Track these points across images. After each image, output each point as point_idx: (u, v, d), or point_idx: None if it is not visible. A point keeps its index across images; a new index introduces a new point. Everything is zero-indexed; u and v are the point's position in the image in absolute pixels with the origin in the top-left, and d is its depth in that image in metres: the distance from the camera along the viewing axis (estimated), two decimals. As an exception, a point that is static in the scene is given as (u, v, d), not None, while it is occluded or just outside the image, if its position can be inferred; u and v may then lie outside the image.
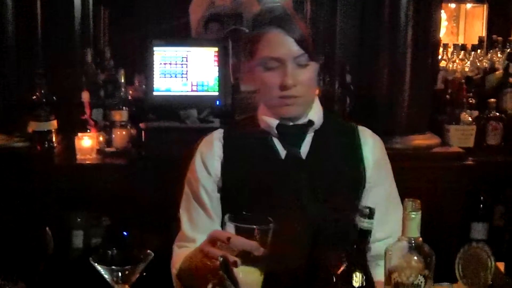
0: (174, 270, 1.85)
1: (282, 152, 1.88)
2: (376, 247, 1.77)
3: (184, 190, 1.97)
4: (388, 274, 1.48)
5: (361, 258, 1.44)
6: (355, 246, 1.44)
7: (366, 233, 1.43)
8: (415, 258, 1.46)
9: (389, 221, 1.83)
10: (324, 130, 1.92)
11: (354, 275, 1.33)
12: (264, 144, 1.89)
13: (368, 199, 1.90)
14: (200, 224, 1.90)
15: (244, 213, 1.54)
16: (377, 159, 1.94)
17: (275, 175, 1.85)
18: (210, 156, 1.91)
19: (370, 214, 1.42)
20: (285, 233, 1.58)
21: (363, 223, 1.42)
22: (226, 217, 1.54)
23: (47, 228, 1.69)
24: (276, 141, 1.89)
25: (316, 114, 1.91)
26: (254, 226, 1.48)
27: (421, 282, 1.44)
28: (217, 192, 1.91)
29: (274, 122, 1.87)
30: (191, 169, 1.95)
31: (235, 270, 1.46)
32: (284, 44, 1.80)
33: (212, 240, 1.54)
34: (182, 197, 1.97)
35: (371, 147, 1.94)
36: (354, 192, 1.90)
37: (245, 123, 2.00)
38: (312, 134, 1.90)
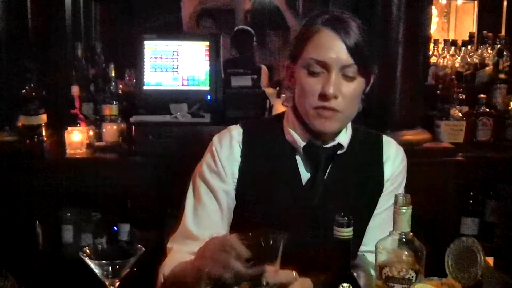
0: (162, 273, 1.71)
1: (304, 174, 1.77)
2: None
3: (193, 184, 1.83)
4: (379, 269, 1.48)
5: (345, 268, 1.40)
6: (337, 257, 1.40)
7: (347, 243, 1.39)
8: (406, 252, 1.46)
9: (383, 235, 1.77)
10: (348, 153, 1.79)
11: (341, 287, 1.30)
12: (287, 163, 1.78)
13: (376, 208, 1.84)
14: (209, 223, 1.77)
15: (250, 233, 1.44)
16: (393, 173, 1.85)
17: (293, 197, 1.76)
18: (229, 158, 1.78)
19: (348, 223, 1.37)
20: (296, 259, 1.51)
21: (343, 233, 1.37)
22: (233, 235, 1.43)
23: (37, 223, 1.68)
24: (299, 161, 1.78)
25: (346, 137, 1.79)
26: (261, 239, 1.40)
27: (412, 276, 1.45)
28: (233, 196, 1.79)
29: (301, 142, 1.75)
30: (208, 164, 1.81)
31: None
32: (334, 49, 1.65)
33: (227, 249, 1.40)
34: (189, 193, 1.83)
35: (392, 162, 1.85)
36: (370, 214, 1.83)
37: (268, 129, 1.85)
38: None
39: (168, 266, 1.70)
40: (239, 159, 1.78)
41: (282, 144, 1.79)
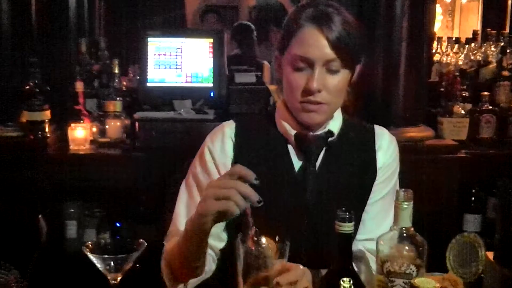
0: (164, 264, 1.75)
1: (297, 163, 1.80)
2: (358, 245, 1.79)
3: (186, 184, 1.85)
4: (381, 263, 1.49)
5: (346, 262, 1.41)
6: (339, 252, 1.41)
7: (348, 237, 1.40)
8: (407, 247, 1.47)
9: (379, 226, 1.79)
10: (339, 141, 1.82)
11: (342, 281, 1.31)
12: (279, 153, 1.81)
13: (371, 198, 1.85)
14: None
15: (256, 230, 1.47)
16: (386, 162, 1.86)
17: (286, 187, 1.78)
18: (221, 155, 1.81)
19: (350, 218, 1.38)
20: (291, 247, 1.52)
21: (344, 227, 1.37)
22: (238, 238, 1.46)
23: (40, 217, 1.69)
24: (291, 150, 1.81)
25: (336, 124, 1.82)
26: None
27: (413, 271, 1.45)
28: None
29: (292, 130, 1.79)
30: (200, 163, 1.83)
31: None
32: (317, 45, 1.67)
33: (232, 175, 1.46)
34: (182, 193, 1.85)
35: (384, 151, 1.87)
36: (363, 202, 1.85)
37: (260, 122, 1.89)
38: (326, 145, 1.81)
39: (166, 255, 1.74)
40: (231, 153, 1.81)
41: (274, 135, 1.82)
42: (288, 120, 1.80)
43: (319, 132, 1.79)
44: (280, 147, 1.81)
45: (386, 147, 1.87)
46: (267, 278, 1.43)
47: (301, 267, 1.52)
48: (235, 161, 1.78)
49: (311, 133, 1.79)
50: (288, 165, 1.80)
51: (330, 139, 1.81)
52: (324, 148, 1.81)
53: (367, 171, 1.84)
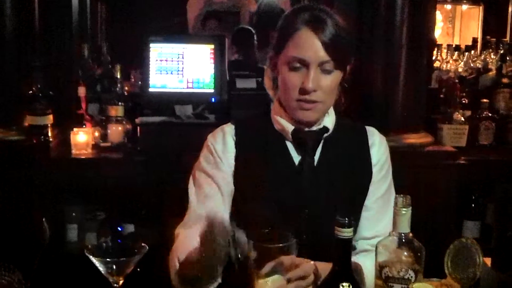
0: (176, 257, 1.77)
1: (296, 159, 1.87)
2: (362, 244, 1.84)
3: (193, 177, 1.91)
4: (379, 268, 1.50)
5: (346, 268, 1.42)
6: (338, 257, 1.42)
7: (348, 243, 1.41)
8: (405, 253, 1.48)
9: (380, 223, 1.86)
10: (335, 136, 1.89)
11: (341, 286, 1.33)
12: (278, 149, 1.88)
13: (368, 198, 1.90)
14: (213, 205, 1.82)
15: (265, 230, 1.53)
16: (380, 159, 1.92)
17: (287, 181, 1.84)
18: (224, 151, 1.87)
19: (349, 223, 1.39)
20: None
21: (343, 233, 1.39)
22: (248, 239, 1.52)
23: (43, 219, 1.70)
24: (290, 146, 1.88)
25: (330, 120, 1.89)
26: (280, 244, 1.50)
27: (411, 276, 1.47)
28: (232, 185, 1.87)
29: (290, 126, 1.85)
30: (205, 156, 1.90)
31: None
32: (312, 47, 1.76)
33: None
34: (190, 185, 1.91)
35: (377, 148, 1.93)
36: (361, 198, 1.90)
37: (258, 121, 1.96)
38: (323, 140, 1.88)
39: (181, 250, 1.74)
40: (234, 150, 1.88)
41: (272, 133, 1.89)
42: (285, 118, 1.87)
43: (315, 128, 1.87)
44: (279, 144, 1.88)
45: (378, 144, 1.94)
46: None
47: (311, 262, 1.58)
48: (237, 156, 1.86)
49: (307, 129, 1.86)
50: (287, 160, 1.87)
51: (325, 134, 1.88)
52: (321, 144, 1.88)
53: (363, 167, 1.91)
